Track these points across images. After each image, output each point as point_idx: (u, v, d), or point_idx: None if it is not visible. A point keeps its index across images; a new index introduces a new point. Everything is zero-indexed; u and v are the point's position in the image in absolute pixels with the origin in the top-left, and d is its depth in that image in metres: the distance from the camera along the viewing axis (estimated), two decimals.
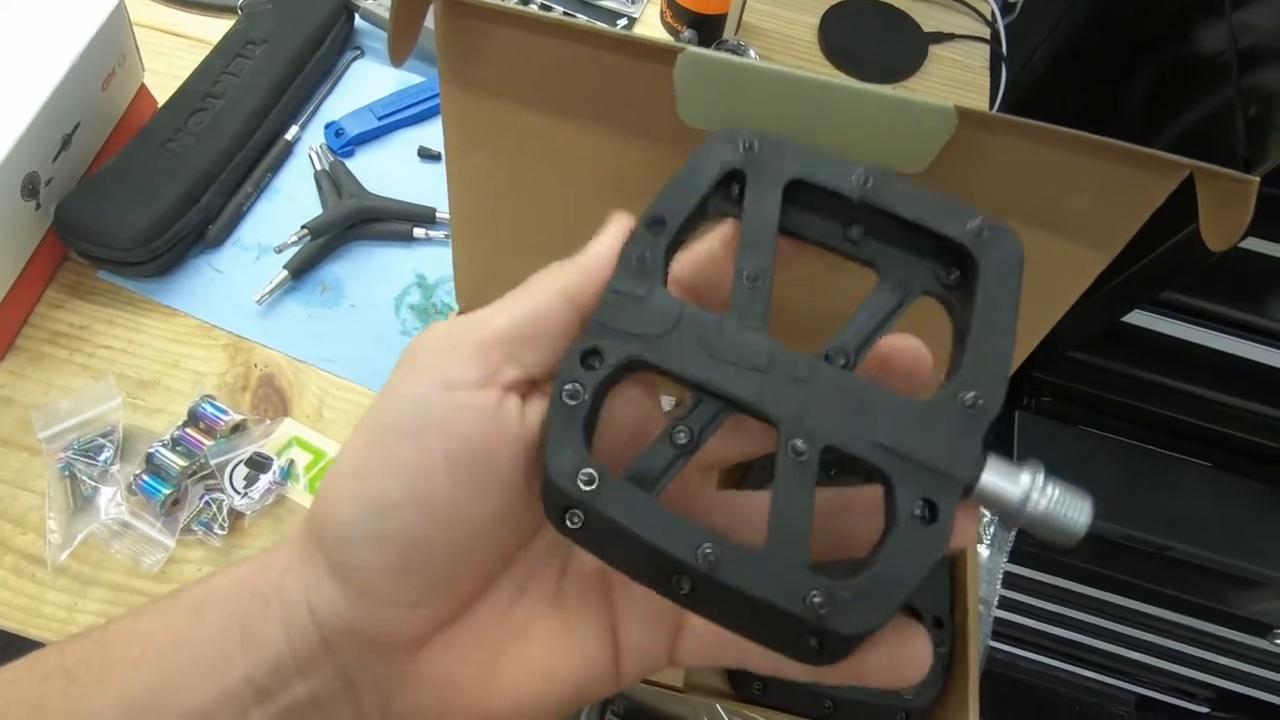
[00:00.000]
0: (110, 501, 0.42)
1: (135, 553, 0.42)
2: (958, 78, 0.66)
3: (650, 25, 0.64)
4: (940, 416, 0.17)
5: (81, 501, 0.42)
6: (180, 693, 0.17)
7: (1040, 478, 0.17)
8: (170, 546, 0.42)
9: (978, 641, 0.37)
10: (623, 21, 0.64)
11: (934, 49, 0.67)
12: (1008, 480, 0.17)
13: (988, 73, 0.68)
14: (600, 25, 0.27)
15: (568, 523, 0.17)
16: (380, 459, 0.17)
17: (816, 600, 0.16)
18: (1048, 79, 0.86)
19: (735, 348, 0.18)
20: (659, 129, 0.30)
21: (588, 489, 0.17)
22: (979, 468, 0.17)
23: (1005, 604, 0.80)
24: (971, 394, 0.17)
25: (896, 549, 0.16)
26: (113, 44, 0.49)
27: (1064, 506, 0.17)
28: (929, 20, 0.68)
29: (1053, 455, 0.73)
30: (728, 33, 0.61)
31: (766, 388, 0.17)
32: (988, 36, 0.69)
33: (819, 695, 0.36)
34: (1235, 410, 0.65)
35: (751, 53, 0.62)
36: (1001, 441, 0.74)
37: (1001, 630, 0.84)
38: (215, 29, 0.56)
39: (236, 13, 0.57)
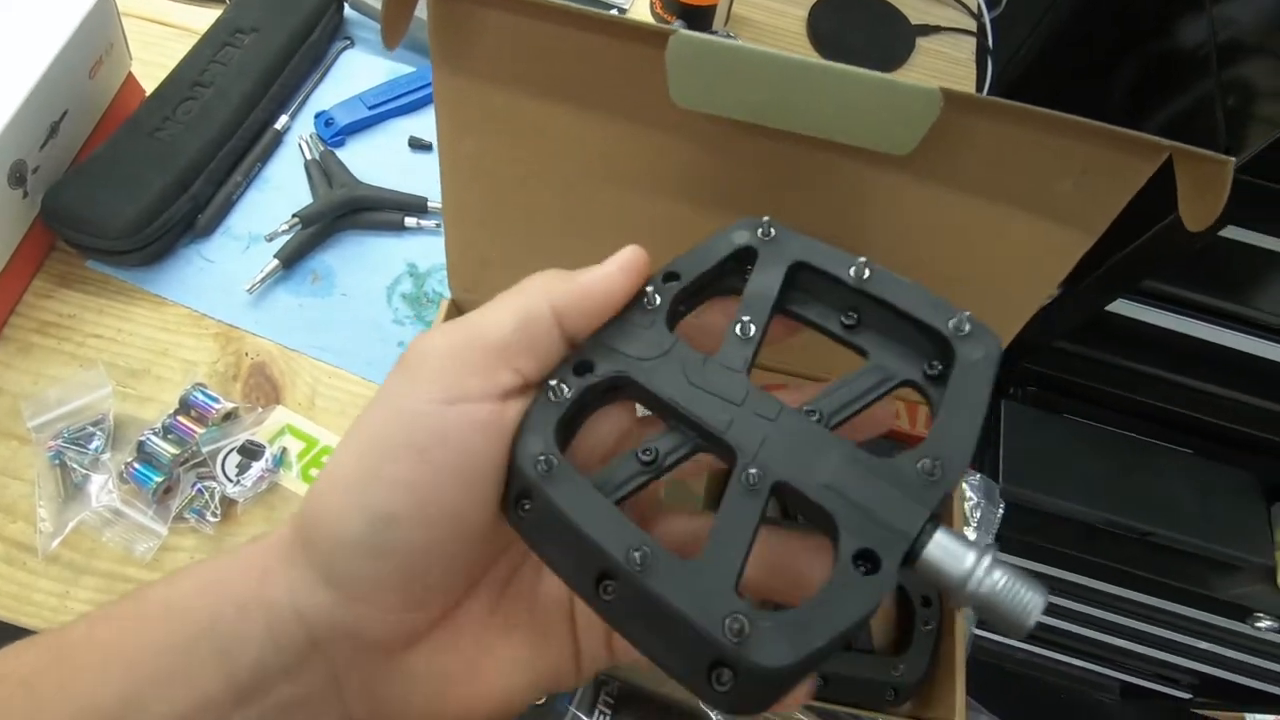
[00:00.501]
0: (101, 489, 0.42)
1: (127, 541, 0.42)
2: (944, 70, 0.67)
3: (641, 16, 0.64)
4: (898, 477, 0.17)
5: (72, 490, 0.42)
6: (153, 701, 0.17)
7: (987, 561, 0.16)
8: (162, 534, 0.42)
9: (964, 619, 0.37)
10: (613, 13, 0.64)
11: (921, 41, 0.67)
12: (953, 556, 0.16)
13: (974, 65, 0.68)
14: (591, 9, 0.27)
15: (519, 510, 0.18)
16: (382, 472, 0.17)
17: (735, 624, 0.15)
18: (1034, 72, 0.87)
19: (713, 381, 0.19)
20: (651, 113, 0.30)
21: (543, 473, 0.17)
22: (927, 534, 0.16)
23: None
24: (931, 463, 0.17)
25: (832, 593, 0.16)
26: (100, 32, 0.48)
27: (1010, 595, 0.16)
28: (916, 13, 0.68)
29: (1037, 443, 0.74)
30: (717, 24, 0.62)
31: (733, 419, 0.18)
32: (974, 29, 0.70)
33: None
34: (1216, 398, 0.66)
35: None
36: (987, 430, 0.75)
37: None
38: (203, 18, 0.56)
39: (224, 1, 0.57)
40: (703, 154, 0.31)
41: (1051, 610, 0.83)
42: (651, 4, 0.64)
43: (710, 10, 0.60)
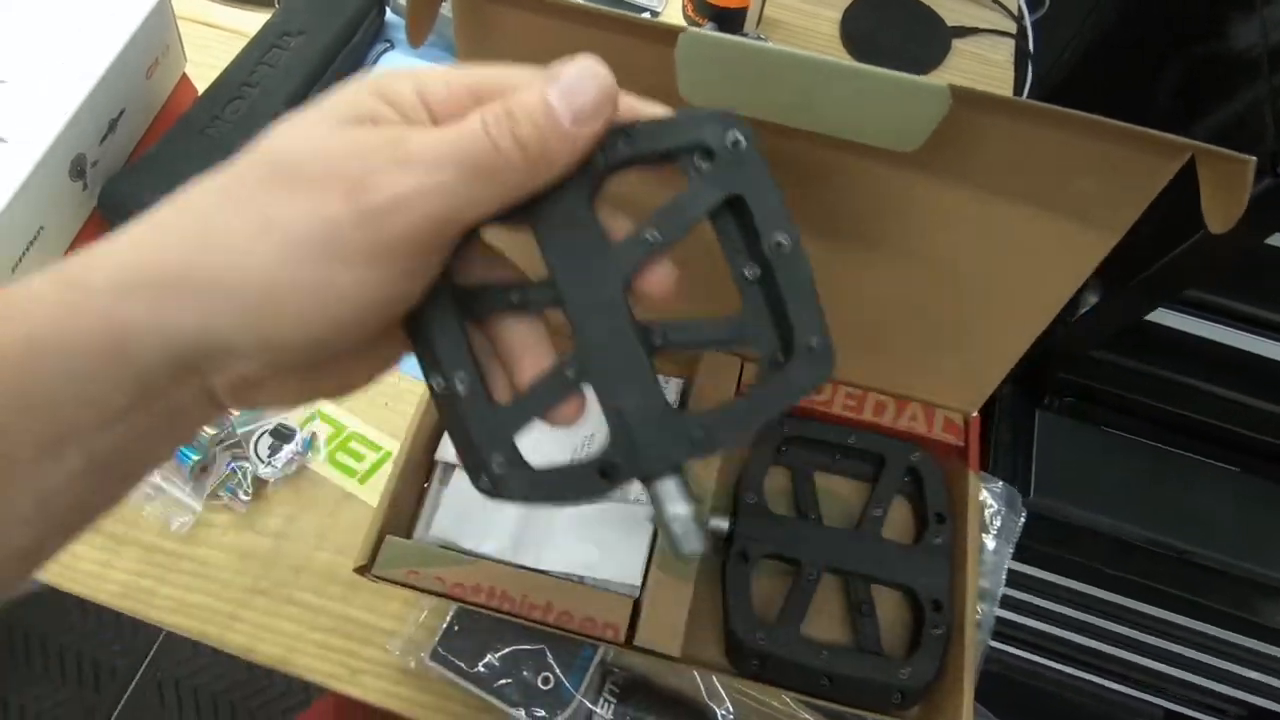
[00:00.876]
0: None
1: (165, 515, 0.44)
2: (981, 72, 0.66)
3: (674, 20, 0.65)
4: (673, 427, 0.20)
5: None
6: (24, 433, 0.16)
7: (684, 516, 0.21)
8: (198, 510, 0.44)
9: (974, 625, 0.37)
10: (645, 15, 0.65)
11: (957, 43, 0.67)
12: (667, 499, 0.21)
13: (1012, 68, 0.67)
14: (608, 9, 0.28)
15: (409, 319, 0.21)
16: (328, 296, 0.18)
17: (500, 460, 0.21)
18: (1077, 76, 0.85)
19: (595, 270, 0.20)
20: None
21: (430, 297, 0.20)
22: (660, 476, 0.20)
23: (1027, 610, 0.79)
24: (703, 431, 0.20)
25: (573, 475, 0.21)
26: (157, 35, 0.51)
27: (677, 538, 0.21)
28: (954, 14, 0.68)
29: (1073, 455, 0.72)
30: (748, 26, 0.62)
31: (586, 314, 0.20)
32: (1013, 31, 0.69)
33: (815, 672, 0.37)
34: (1262, 413, 0.64)
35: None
36: (1021, 440, 0.74)
37: (1022, 637, 0.83)
38: (254, 21, 0.59)
39: (273, 5, 0.60)
40: None
41: (1085, 629, 0.80)
42: (684, 7, 0.64)
43: (741, 13, 0.60)
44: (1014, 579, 0.73)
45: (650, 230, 0.20)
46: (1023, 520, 0.47)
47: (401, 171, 0.17)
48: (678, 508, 0.20)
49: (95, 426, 0.17)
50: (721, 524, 0.40)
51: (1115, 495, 0.68)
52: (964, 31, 0.67)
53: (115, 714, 1.07)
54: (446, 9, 0.31)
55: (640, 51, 0.29)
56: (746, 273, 0.21)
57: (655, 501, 0.21)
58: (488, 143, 0.17)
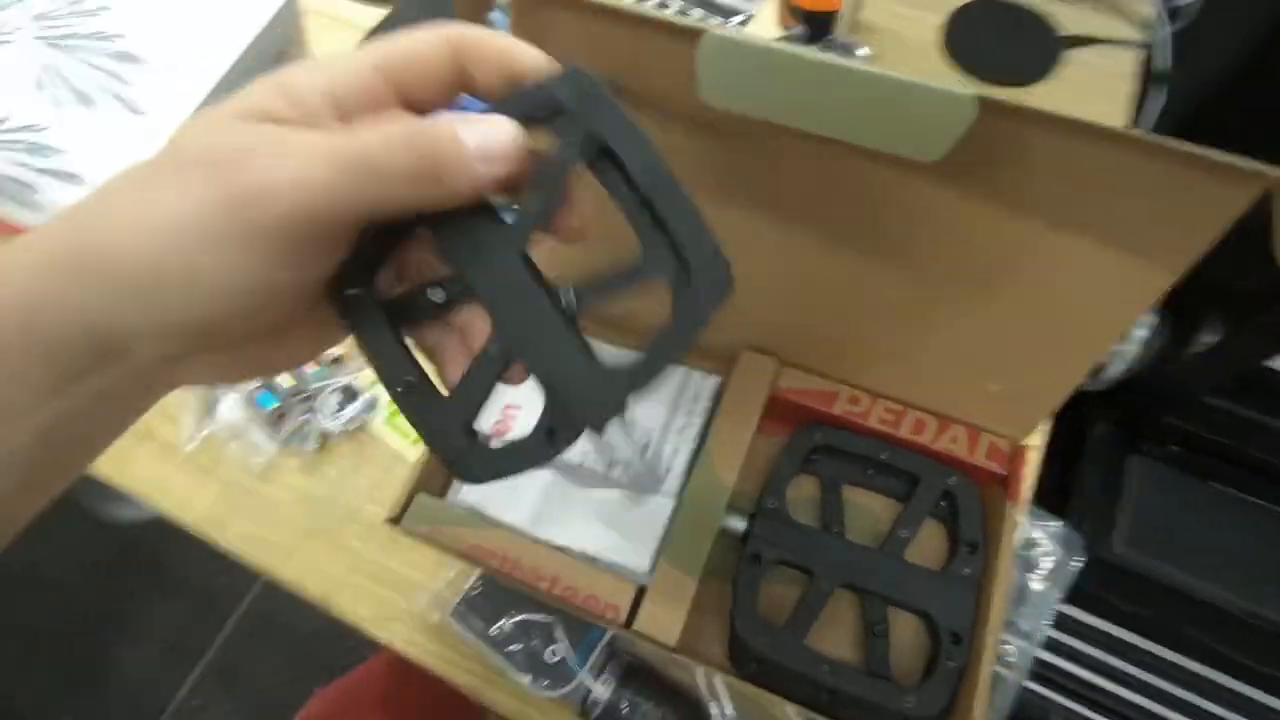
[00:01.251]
0: (230, 408, 0.50)
1: (245, 454, 0.49)
2: (1093, 84, 0.61)
3: (765, 22, 0.65)
4: (604, 376, 0.21)
5: (210, 405, 0.50)
6: None
7: (630, 447, 0.22)
8: (272, 453, 0.49)
9: (993, 663, 0.35)
10: (739, 18, 0.65)
11: (1072, 53, 0.62)
12: (615, 440, 0.22)
13: (1132, 81, 0.62)
14: (644, 10, 0.29)
15: (345, 310, 0.22)
16: (241, 284, 0.18)
17: (459, 448, 0.22)
18: (1227, 99, 0.76)
19: (494, 253, 0.21)
20: (691, 110, 0.31)
21: (354, 295, 0.21)
22: (605, 422, 0.21)
23: (1102, 669, 0.73)
24: (628, 376, 0.21)
25: (523, 447, 0.21)
26: (286, 26, 0.57)
27: (630, 462, 0.22)
28: (1074, 23, 0.63)
29: (1172, 509, 0.65)
30: (840, 31, 0.61)
31: (500, 296, 0.21)
32: (1137, 41, 0.63)
33: (815, 685, 0.36)
34: None
35: (860, 51, 0.61)
36: (1110, 485, 0.68)
37: (1093, 696, 0.76)
38: (374, 16, 0.64)
39: (390, 1, 0.65)
40: (734, 154, 0.32)
41: (1162, 697, 0.73)
42: (780, 11, 0.64)
43: (831, 16, 0.59)
44: (1088, 634, 0.67)
45: (532, 198, 0.21)
46: (1079, 565, 0.44)
47: (276, 159, 0.17)
48: (624, 449, 0.22)
49: (27, 401, 0.17)
50: (738, 524, 0.40)
51: (1214, 556, 0.61)
52: (1079, 41, 0.62)
53: (217, 640, 1.19)
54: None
55: (661, 50, 0.30)
56: (634, 212, 0.22)
57: (599, 442, 0.22)
58: (378, 140, 0.18)
